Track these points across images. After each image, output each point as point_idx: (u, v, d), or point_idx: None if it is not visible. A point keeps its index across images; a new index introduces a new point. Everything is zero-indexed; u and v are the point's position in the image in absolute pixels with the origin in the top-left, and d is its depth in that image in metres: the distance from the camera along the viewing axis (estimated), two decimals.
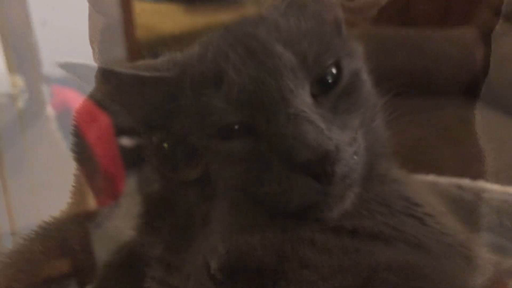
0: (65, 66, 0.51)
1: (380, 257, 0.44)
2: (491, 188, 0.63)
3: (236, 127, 0.50)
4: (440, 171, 1.18)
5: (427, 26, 2.01)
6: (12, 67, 1.54)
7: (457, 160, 1.22)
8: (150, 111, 0.55)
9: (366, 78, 0.58)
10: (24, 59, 1.57)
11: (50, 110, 1.54)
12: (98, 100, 0.57)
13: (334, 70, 0.52)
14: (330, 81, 0.52)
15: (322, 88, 0.52)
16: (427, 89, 1.57)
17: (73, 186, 1.10)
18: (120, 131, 2.29)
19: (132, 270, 0.52)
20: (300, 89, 0.49)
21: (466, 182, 0.64)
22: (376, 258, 0.44)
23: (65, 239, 1.25)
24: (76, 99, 2.06)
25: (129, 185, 0.67)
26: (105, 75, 0.52)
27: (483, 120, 1.45)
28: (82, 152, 1.89)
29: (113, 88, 0.53)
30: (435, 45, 1.61)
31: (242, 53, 0.50)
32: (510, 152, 1.23)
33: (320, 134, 0.46)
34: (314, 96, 0.51)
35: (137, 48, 2.60)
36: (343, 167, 0.47)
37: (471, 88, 1.69)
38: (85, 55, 2.65)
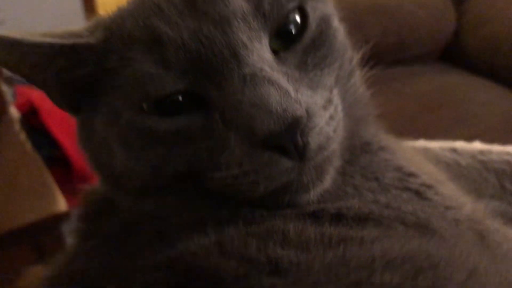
0: None
1: (375, 248, 0.34)
2: (489, 149, 0.56)
3: (180, 98, 0.39)
4: (431, 138, 1.16)
5: None
6: None
7: (439, 125, 1.19)
8: (72, 87, 0.43)
9: (338, 26, 0.46)
10: None
11: (14, 111, 1.47)
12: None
13: (297, 18, 0.42)
14: (293, 32, 0.42)
15: (285, 41, 0.41)
16: (402, 57, 1.54)
17: (42, 188, 1.04)
18: None
19: None
20: (256, 42, 0.39)
21: (460, 144, 0.58)
22: (369, 251, 0.34)
23: (39, 245, 1.19)
24: (42, 98, 1.99)
25: None
26: (9, 47, 0.41)
27: (460, 84, 1.43)
28: (52, 153, 1.83)
29: (18, 62, 0.41)
30: (406, 11, 1.58)
31: (178, 2, 0.40)
32: (489, 116, 1.21)
33: (286, 97, 0.37)
34: (275, 52, 0.41)
35: None
36: (318, 136, 0.37)
37: (445, 53, 1.67)
38: None
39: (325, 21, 0.44)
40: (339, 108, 0.41)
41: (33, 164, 1.13)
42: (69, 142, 1.75)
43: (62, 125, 1.81)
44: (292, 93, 0.37)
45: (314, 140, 0.37)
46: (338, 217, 0.38)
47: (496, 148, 0.59)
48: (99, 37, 0.42)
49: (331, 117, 0.39)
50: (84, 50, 0.42)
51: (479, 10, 1.55)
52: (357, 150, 0.45)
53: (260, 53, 0.39)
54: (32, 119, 1.78)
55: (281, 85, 0.37)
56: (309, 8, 0.43)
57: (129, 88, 0.40)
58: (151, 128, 0.40)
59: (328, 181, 0.40)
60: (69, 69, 0.43)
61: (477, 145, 0.60)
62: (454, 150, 0.59)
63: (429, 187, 0.43)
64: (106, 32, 0.42)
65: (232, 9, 0.39)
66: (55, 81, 0.44)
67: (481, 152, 0.59)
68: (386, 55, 1.53)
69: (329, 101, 0.40)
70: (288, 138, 0.36)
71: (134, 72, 0.39)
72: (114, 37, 0.41)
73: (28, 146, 1.23)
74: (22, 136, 1.28)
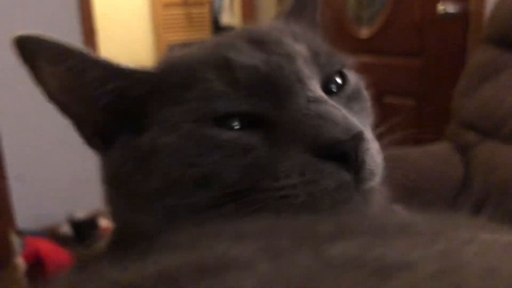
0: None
1: None
2: None
3: (237, 126, 0.42)
4: None
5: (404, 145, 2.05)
6: None
7: None
8: (118, 109, 0.45)
9: (368, 95, 0.53)
10: None
11: (19, 261, 1.45)
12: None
13: (339, 80, 0.48)
14: (335, 90, 0.47)
15: (329, 93, 0.47)
16: (413, 204, 1.54)
17: None
18: None
19: None
20: (314, 80, 0.43)
21: None
22: None
23: None
24: (49, 250, 1.97)
25: None
26: (61, 55, 0.42)
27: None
28: None
29: (64, 74, 0.42)
30: (414, 159, 1.62)
31: (249, 45, 0.45)
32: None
33: (346, 116, 0.40)
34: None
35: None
36: (371, 158, 0.40)
37: (456, 199, 1.66)
38: (62, 206, 2.60)
39: (359, 84, 0.51)
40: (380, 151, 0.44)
41: None
42: None
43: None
44: (350, 116, 0.41)
45: (369, 160, 0.40)
46: None
47: None
48: (161, 69, 0.46)
49: (378, 151, 0.42)
50: (144, 75, 0.45)
51: (483, 158, 1.59)
52: None
53: (317, 88, 0.43)
54: (37, 270, 1.74)
55: (340, 108, 0.41)
56: (347, 72, 0.49)
57: (195, 104, 0.42)
58: (212, 138, 0.41)
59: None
60: (124, 89, 0.44)
61: None
62: None
63: None
64: (168, 64, 0.46)
65: (297, 50, 0.44)
66: (100, 102, 0.44)
67: None
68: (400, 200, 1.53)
69: (375, 139, 0.44)
70: (353, 147, 0.39)
71: (204, 90, 0.42)
72: (179, 66, 0.45)
73: None
74: (23, 285, 1.24)
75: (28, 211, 2.19)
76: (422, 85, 2.28)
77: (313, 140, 0.39)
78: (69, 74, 0.43)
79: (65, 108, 0.45)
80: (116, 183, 0.46)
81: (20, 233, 1.79)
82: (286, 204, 0.39)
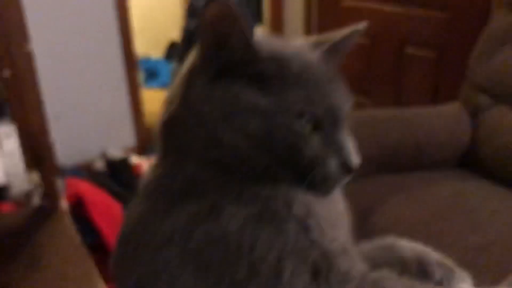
0: None
1: None
2: None
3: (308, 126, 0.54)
4: (444, 245, 1.23)
5: (419, 104, 2.11)
6: (29, 163, 1.64)
7: (452, 233, 1.27)
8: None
9: None
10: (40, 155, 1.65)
11: (64, 204, 1.62)
12: None
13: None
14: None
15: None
16: (420, 164, 1.64)
17: (88, 280, 1.15)
18: None
19: None
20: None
21: None
22: None
23: None
24: (89, 190, 2.16)
25: None
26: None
27: (475, 191, 1.51)
28: (95, 241, 1.96)
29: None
30: (424, 121, 1.70)
31: (334, 85, 0.58)
32: (500, 224, 1.27)
33: (355, 148, 0.57)
34: None
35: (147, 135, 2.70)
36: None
37: (464, 160, 1.76)
38: (96, 143, 2.78)
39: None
40: None
41: (80, 256, 1.25)
42: (110, 231, 1.88)
43: (104, 215, 1.95)
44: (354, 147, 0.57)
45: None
46: None
47: None
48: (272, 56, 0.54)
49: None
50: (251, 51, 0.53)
51: (493, 122, 1.66)
52: None
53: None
54: (77, 209, 1.93)
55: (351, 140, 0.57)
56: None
57: (293, 98, 0.53)
58: (292, 126, 0.53)
59: None
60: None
61: None
62: None
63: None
64: (281, 56, 0.55)
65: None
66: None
67: None
68: (404, 161, 1.64)
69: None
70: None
71: (301, 93, 0.54)
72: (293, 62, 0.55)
73: (77, 238, 1.36)
74: (72, 228, 1.41)
75: (65, 149, 2.37)
76: (444, 39, 2.30)
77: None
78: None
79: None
80: (194, 121, 0.54)
81: (61, 173, 1.96)
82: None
